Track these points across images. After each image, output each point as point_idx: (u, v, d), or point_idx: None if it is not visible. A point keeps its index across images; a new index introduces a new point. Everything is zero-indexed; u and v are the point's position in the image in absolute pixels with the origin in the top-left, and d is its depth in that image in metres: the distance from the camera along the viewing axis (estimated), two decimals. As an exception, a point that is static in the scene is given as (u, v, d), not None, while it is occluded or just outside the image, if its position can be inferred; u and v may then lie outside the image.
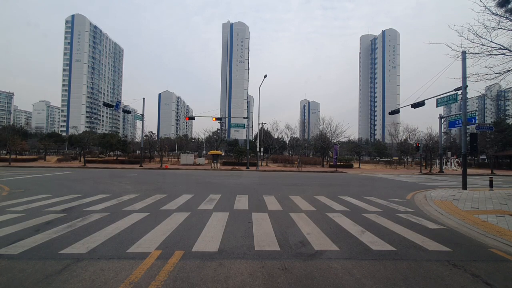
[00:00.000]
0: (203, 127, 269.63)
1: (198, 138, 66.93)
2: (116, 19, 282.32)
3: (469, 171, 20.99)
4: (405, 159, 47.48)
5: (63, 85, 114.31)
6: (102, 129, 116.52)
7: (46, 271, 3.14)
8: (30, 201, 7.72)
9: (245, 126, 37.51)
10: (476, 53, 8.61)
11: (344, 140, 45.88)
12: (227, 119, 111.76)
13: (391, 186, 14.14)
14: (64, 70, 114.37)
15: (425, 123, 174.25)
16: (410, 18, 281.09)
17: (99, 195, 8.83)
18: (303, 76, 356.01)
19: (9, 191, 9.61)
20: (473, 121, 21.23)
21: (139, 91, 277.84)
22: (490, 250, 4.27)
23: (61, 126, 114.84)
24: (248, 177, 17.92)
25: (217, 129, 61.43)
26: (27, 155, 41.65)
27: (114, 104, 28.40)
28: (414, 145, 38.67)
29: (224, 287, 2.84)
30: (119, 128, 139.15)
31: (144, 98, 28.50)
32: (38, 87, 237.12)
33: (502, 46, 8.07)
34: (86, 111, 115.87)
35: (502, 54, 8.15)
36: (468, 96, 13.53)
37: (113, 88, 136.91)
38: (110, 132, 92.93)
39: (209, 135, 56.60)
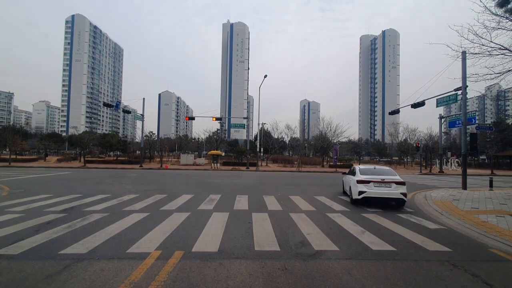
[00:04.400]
0: (203, 127, 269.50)
1: (198, 138, 66.99)
2: (116, 20, 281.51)
3: (469, 171, 20.93)
4: (405, 159, 47.51)
5: (63, 85, 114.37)
6: (102, 129, 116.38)
7: (46, 271, 3.14)
8: (30, 201, 7.71)
9: (245, 126, 37.55)
10: (476, 53, 8.60)
11: (344, 140, 45.95)
12: (227, 119, 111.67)
13: (391, 186, 14.11)
14: (64, 70, 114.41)
15: (425, 123, 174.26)
16: (408, 19, 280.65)
17: (99, 195, 8.83)
18: (302, 76, 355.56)
19: (9, 191, 9.61)
20: (473, 121, 21.22)
21: (139, 91, 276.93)
22: (490, 250, 4.27)
23: (61, 126, 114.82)
24: (248, 177, 17.92)
25: (217, 129, 61.51)
26: (27, 155, 41.63)
27: (114, 104, 28.42)
28: (414, 145, 38.66)
29: (224, 287, 2.84)
30: (119, 128, 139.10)
31: (144, 98, 28.52)
32: (38, 87, 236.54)
33: (502, 46, 8.06)
34: (86, 111, 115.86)
35: (502, 54, 8.14)
36: (468, 96, 13.53)
37: (113, 88, 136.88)
38: (110, 132, 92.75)
39: (209, 135, 56.69)
